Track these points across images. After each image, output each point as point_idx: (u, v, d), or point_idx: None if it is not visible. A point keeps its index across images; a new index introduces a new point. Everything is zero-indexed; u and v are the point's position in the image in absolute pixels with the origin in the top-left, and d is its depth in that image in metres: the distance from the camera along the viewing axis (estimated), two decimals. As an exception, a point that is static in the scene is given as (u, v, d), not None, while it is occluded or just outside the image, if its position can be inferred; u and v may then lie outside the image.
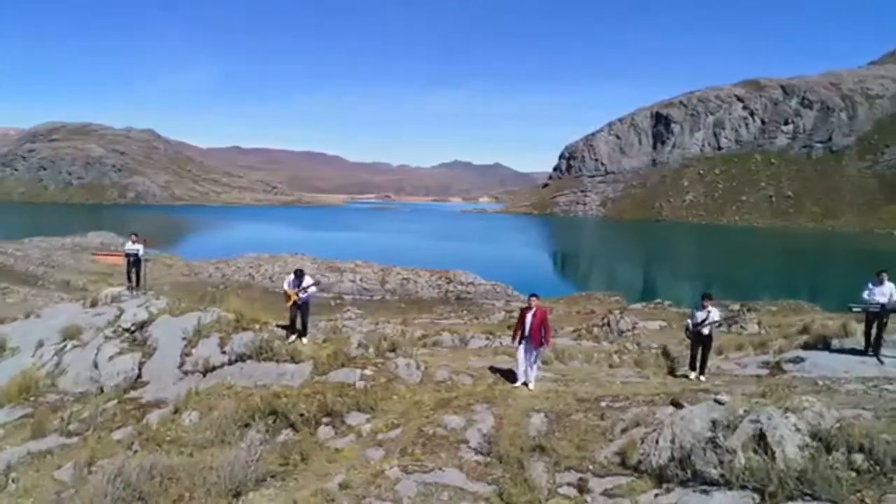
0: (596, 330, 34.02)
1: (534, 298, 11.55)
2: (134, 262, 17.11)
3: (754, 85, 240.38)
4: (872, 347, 12.34)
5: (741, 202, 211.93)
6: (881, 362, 11.88)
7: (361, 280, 70.05)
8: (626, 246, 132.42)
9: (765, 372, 12.58)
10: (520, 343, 11.34)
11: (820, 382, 10.77)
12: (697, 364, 12.50)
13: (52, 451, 9.78)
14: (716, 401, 7.77)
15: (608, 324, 34.99)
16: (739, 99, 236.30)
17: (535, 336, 11.18)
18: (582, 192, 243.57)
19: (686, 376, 12.69)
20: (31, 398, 11.78)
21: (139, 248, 17.35)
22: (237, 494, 8.42)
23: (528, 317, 11.24)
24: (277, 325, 13.53)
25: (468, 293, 66.63)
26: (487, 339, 28.18)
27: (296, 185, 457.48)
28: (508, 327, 42.52)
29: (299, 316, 12.83)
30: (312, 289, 13.11)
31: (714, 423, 7.44)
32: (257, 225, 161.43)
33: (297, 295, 12.68)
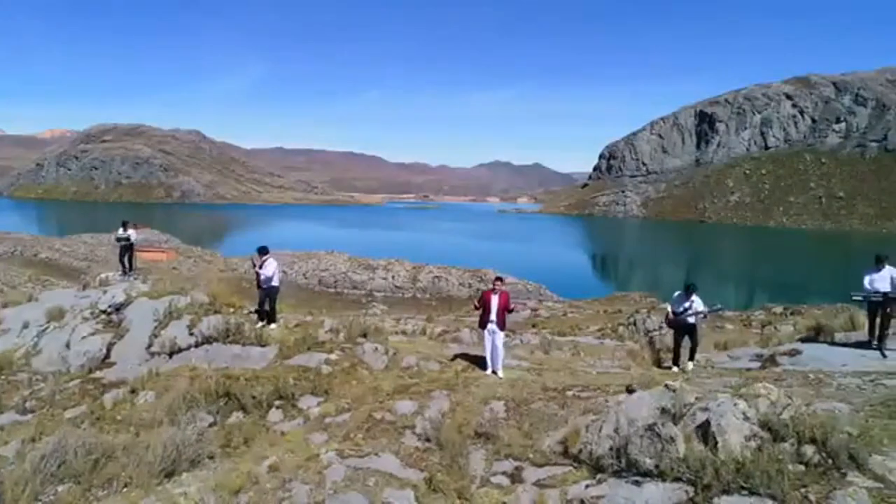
0: (621, 329, 33.06)
1: (498, 282, 11.01)
2: (125, 247, 17.27)
3: (804, 82, 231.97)
4: (876, 340, 11.31)
5: (789, 203, 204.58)
6: (884, 356, 10.84)
7: (393, 277, 70.24)
8: (667, 247, 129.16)
9: (757, 365, 11.71)
10: (484, 328, 10.80)
11: (811, 375, 9.87)
12: (681, 356, 11.73)
13: (3, 427, 9.72)
14: (666, 386, 7.10)
15: (634, 323, 33.97)
16: (788, 96, 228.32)
17: (501, 319, 10.64)
18: (622, 192, 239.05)
19: (669, 367, 11.92)
20: (3, 376, 11.82)
21: (131, 233, 17.50)
22: (169, 474, 8.16)
23: (494, 300, 10.68)
24: (253, 311, 13.31)
25: (499, 292, 65.91)
26: (508, 336, 27.61)
27: (336, 185, 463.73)
28: (533, 325, 41.86)
29: (267, 301, 12.56)
30: (269, 272, 12.67)
31: (662, 410, 6.80)
32: (296, 223, 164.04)
33: (256, 273, 12.47)
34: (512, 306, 11.01)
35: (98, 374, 11.46)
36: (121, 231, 17.61)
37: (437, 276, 69.98)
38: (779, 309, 41.22)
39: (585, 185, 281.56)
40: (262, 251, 12.76)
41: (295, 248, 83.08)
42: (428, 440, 8.16)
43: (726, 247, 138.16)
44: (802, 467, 5.65)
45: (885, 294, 11.00)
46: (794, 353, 11.47)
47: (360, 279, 69.51)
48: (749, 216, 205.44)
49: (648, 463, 6.12)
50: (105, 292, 14.25)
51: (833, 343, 12.15)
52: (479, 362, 11.61)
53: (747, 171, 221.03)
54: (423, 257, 77.14)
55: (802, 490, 5.39)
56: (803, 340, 12.70)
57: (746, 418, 6.15)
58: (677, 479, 5.85)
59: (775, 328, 30.96)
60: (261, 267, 12.55)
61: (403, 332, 26.85)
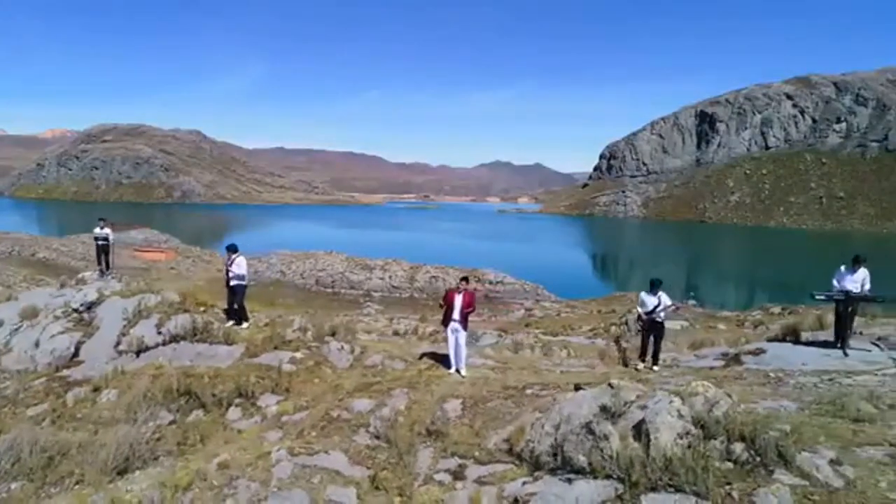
0: (613, 329, 33.07)
1: (463, 282, 11.02)
2: (103, 246, 17.25)
3: (805, 82, 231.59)
4: (840, 339, 11.28)
5: (789, 203, 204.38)
6: (846, 355, 10.83)
7: (390, 277, 70.26)
8: (667, 247, 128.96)
9: (721, 364, 11.71)
10: (447, 326, 10.81)
11: (772, 374, 9.88)
12: (648, 354, 11.75)
13: (-36, 426, 9.74)
14: (609, 385, 7.11)
15: (626, 323, 33.98)
16: (789, 97, 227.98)
17: (463, 318, 10.64)
18: (622, 192, 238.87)
19: (636, 367, 11.92)
20: (-29, 375, 11.85)
21: (107, 232, 17.47)
22: (122, 472, 8.19)
23: (457, 299, 10.67)
24: (223, 310, 13.33)
25: (497, 292, 65.99)
26: (500, 335, 27.68)
27: (337, 185, 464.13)
28: (526, 325, 41.82)
29: (235, 300, 12.57)
30: (241, 270, 12.66)
31: (602, 408, 6.80)
32: (296, 223, 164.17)
33: (226, 273, 12.47)
34: (472, 308, 10.96)
35: (65, 372, 11.48)
36: (97, 229, 17.55)
37: (434, 276, 70.00)
38: (777, 309, 41.12)
39: (586, 185, 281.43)
40: (232, 249, 12.76)
41: (294, 248, 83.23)
42: (378, 438, 8.18)
43: (726, 247, 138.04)
44: (731, 464, 5.66)
45: (847, 293, 10.98)
46: (758, 353, 11.47)
47: (358, 279, 69.53)
48: (749, 216, 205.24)
49: (582, 460, 6.14)
50: (79, 291, 14.28)
51: (798, 342, 12.14)
52: (445, 361, 11.63)
53: (748, 171, 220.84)
54: (421, 257, 77.12)
55: (727, 487, 5.40)
56: (770, 340, 12.71)
57: (680, 416, 6.15)
58: (608, 477, 5.86)
59: (767, 328, 30.93)
60: (231, 264, 12.56)
61: (396, 332, 26.89)
